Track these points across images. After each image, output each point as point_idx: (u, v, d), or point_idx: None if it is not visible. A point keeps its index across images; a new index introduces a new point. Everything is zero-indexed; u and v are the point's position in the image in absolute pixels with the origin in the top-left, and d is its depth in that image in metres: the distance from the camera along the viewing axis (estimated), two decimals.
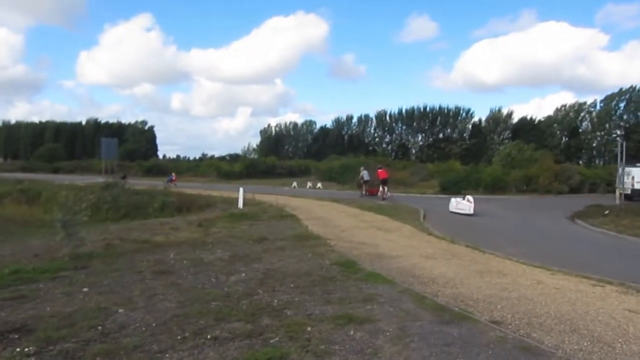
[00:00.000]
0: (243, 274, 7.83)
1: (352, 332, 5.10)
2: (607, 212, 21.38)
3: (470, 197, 22.70)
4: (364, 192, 29.93)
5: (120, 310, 5.69)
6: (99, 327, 5.08)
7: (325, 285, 7.20)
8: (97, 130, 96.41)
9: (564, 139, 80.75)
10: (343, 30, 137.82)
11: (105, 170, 33.60)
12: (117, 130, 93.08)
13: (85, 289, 6.76)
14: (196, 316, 5.47)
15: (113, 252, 9.90)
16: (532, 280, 8.33)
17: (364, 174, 30.19)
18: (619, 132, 75.92)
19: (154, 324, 5.21)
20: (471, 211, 21.75)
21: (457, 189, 34.11)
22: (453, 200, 23.44)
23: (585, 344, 5.09)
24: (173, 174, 44.47)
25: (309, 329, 5.15)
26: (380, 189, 28.30)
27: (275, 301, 6.23)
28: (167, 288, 6.83)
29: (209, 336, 4.86)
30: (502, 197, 32.80)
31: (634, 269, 10.75)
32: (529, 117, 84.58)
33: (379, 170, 29.42)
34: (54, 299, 6.29)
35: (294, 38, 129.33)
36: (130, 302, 6.09)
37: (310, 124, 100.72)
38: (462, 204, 22.38)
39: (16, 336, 4.87)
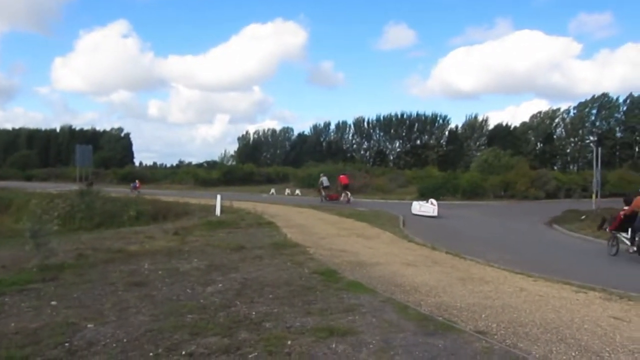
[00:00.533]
0: (220, 285, 7.57)
1: (334, 345, 4.89)
2: (584, 217, 21.51)
3: (433, 201, 24.53)
4: (323, 198, 30.99)
5: (89, 326, 5.39)
6: (66, 344, 4.79)
7: (305, 295, 6.99)
8: (71, 138, 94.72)
9: (538, 145, 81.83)
10: (321, 38, 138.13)
11: (79, 177, 32.96)
12: (92, 137, 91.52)
13: (53, 303, 6.44)
14: (170, 330, 5.21)
15: (85, 263, 9.53)
16: (515, 287, 8.23)
17: (323, 180, 31.75)
18: (592, 138, 77.21)
19: (125, 340, 4.93)
20: (435, 213, 23.10)
21: (436, 195, 34.05)
22: (415, 203, 25.05)
23: (573, 353, 4.96)
24: (137, 181, 44.07)
25: (289, 342, 4.93)
26: (343, 194, 29.96)
27: (254, 313, 5.99)
28: (141, 300, 6.55)
29: (183, 352, 4.61)
30: (480, 203, 32.95)
31: (613, 275, 10.74)
32: (504, 124, 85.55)
33: (341, 177, 31.49)
34: (20, 313, 5.97)
35: (272, 45, 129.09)
36: (101, 316, 5.80)
37: (288, 130, 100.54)
38: (426, 207, 23.95)
39: None
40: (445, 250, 12.36)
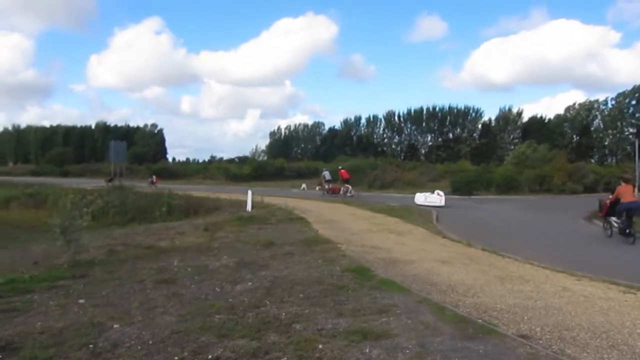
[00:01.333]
0: (249, 283, 7.38)
1: (367, 350, 4.63)
2: None
3: (440, 191, 26.51)
4: (326, 191, 32.07)
5: (115, 326, 5.25)
6: (90, 346, 4.64)
7: (337, 294, 6.74)
8: (106, 134, 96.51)
9: (575, 138, 79.72)
10: (352, 31, 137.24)
11: (114, 173, 33.41)
12: (126, 134, 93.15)
13: (81, 301, 6.34)
14: (197, 332, 5.02)
15: (115, 259, 9.49)
16: (557, 287, 7.82)
17: (326, 174, 33.03)
18: (631, 130, 74.92)
19: (150, 342, 4.76)
20: (442, 203, 24.85)
21: (469, 190, 33.55)
22: (420, 195, 26.43)
23: None
24: (154, 176, 44.59)
25: (320, 346, 4.68)
26: (343, 188, 31.06)
27: (283, 314, 5.77)
28: (168, 299, 6.39)
29: (210, 356, 4.41)
30: (515, 197, 32.20)
31: None
32: (539, 116, 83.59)
33: (341, 171, 32.45)
34: (47, 312, 5.88)
35: (303, 39, 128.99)
36: (128, 315, 5.65)
37: (319, 125, 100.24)
38: (432, 197, 25.58)
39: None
40: (481, 246, 11.93)
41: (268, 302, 6.27)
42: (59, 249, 9.90)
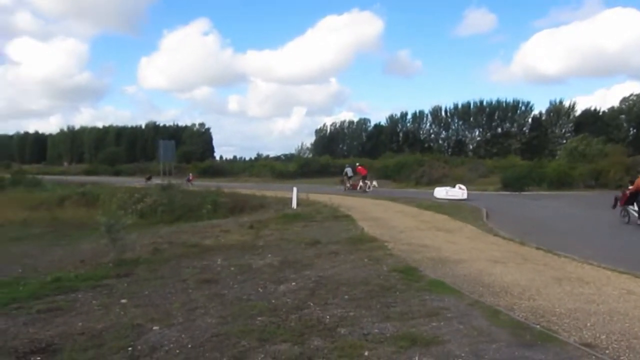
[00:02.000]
0: (293, 283, 7.18)
1: (417, 358, 4.33)
2: None
3: (461, 185, 26.92)
4: (348, 187, 32.96)
5: (155, 328, 5.13)
6: (129, 349, 4.52)
7: (384, 296, 6.45)
8: (155, 134, 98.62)
9: (631, 131, 76.39)
10: (398, 26, 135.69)
11: (163, 172, 33.96)
12: (174, 133, 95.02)
13: (123, 300, 6.28)
14: (238, 336, 4.83)
15: (160, 258, 9.50)
16: (621, 289, 7.29)
17: (348, 171, 33.79)
18: None
19: (189, 346, 4.60)
20: (465, 196, 25.19)
21: (520, 185, 32.50)
22: (440, 189, 27.00)
23: None
24: (190, 174, 45.21)
25: (366, 353, 4.42)
26: (361, 183, 32.17)
27: (328, 317, 5.52)
28: (210, 300, 6.26)
29: None
30: (569, 193, 30.96)
31: None
32: (592, 109, 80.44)
33: (359, 167, 33.46)
34: (89, 311, 5.84)
35: (348, 36, 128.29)
36: (168, 316, 5.54)
37: (364, 121, 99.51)
38: (454, 191, 26.02)
39: (38, 358, 4.38)
40: (535, 245, 11.38)
41: (312, 304, 6.05)
42: (106, 247, 9.99)
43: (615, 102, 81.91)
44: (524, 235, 12.98)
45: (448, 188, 26.97)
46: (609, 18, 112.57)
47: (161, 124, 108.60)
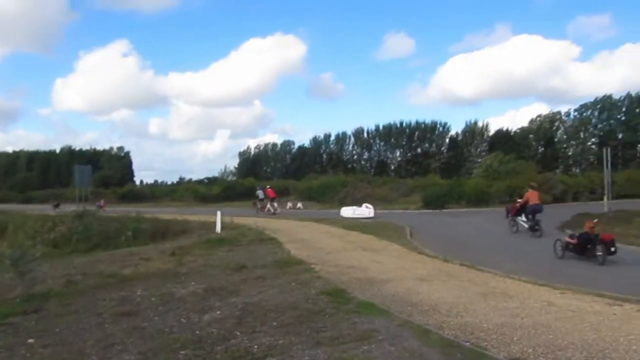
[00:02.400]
0: (218, 312, 6.85)
1: None
2: (596, 220, 20.74)
3: (368, 205, 28.07)
4: (259, 209, 33.08)
5: None
6: None
7: (313, 321, 6.27)
8: (71, 158, 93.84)
9: (540, 149, 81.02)
10: (321, 50, 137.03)
11: (79, 198, 32.34)
12: (92, 157, 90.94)
13: (30, 340, 5.74)
14: None
15: (73, 291, 8.87)
16: (542, 302, 7.50)
17: (259, 193, 34.26)
18: (594, 140, 76.62)
19: None
20: (372, 214, 26.36)
21: (440, 203, 33.44)
22: (346, 208, 28.29)
23: None
24: (102, 200, 43.76)
25: None
26: (269, 205, 32.46)
27: (256, 346, 5.27)
28: (129, 334, 5.83)
29: None
30: (486, 210, 32.10)
31: None
32: (504, 129, 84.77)
33: (268, 190, 33.98)
34: None
35: (272, 59, 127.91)
36: (81, 356, 5.10)
37: (288, 143, 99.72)
38: (361, 210, 27.24)
39: None
40: (458, 262, 11.60)
41: (239, 333, 5.77)
42: (12, 282, 9.21)
43: (524, 123, 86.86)
44: (447, 252, 13.22)
45: (355, 207, 28.20)
46: (517, 44, 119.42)
47: (77, 148, 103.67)
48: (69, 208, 34.48)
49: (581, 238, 13.09)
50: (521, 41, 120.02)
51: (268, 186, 36.21)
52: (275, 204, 33.04)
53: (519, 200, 19.49)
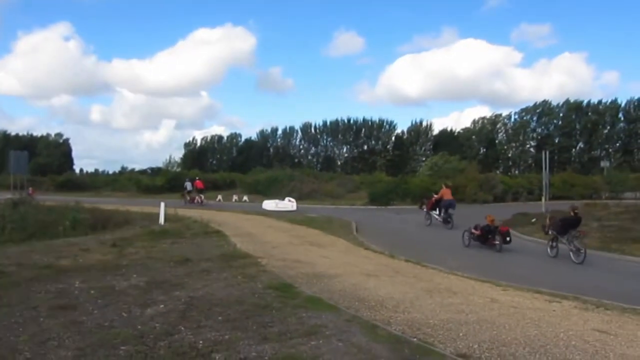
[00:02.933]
0: (162, 305, 6.63)
1: None
2: (534, 220, 21.50)
3: (291, 198, 29.89)
4: (187, 200, 33.78)
5: None
6: None
7: (260, 315, 6.16)
8: (6, 144, 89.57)
9: (481, 150, 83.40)
10: (271, 44, 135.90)
11: (14, 185, 30.93)
12: (28, 143, 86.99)
13: None
14: None
15: (6, 282, 8.35)
16: (486, 298, 7.67)
17: (187, 185, 35.47)
18: (532, 143, 79.65)
19: None
20: (294, 208, 27.85)
21: (386, 200, 33.84)
22: (269, 201, 29.56)
23: None
24: (30, 188, 42.20)
25: None
26: (197, 197, 33.66)
27: (201, 341, 5.11)
28: (66, 329, 5.54)
29: None
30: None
31: (578, 280, 10.39)
32: (449, 129, 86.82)
33: (197, 182, 35.33)
34: None
35: (221, 50, 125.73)
36: (13, 352, 4.78)
37: (235, 136, 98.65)
38: (283, 204, 28.76)
39: None
40: (404, 258, 11.76)
41: (183, 328, 5.59)
42: None
43: (467, 124, 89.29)
44: (392, 248, 13.38)
45: (277, 201, 29.60)
46: (463, 47, 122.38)
47: (13, 133, 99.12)
48: (2, 196, 32.94)
49: (483, 229, 15.26)
50: (466, 45, 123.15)
51: (197, 178, 37.37)
52: (202, 196, 34.21)
53: (435, 195, 21.79)
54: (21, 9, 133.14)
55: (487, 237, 15.07)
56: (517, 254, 14.36)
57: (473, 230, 15.56)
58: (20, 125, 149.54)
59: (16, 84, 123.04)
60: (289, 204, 28.64)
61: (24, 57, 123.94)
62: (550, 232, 14.27)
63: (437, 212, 21.24)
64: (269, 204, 28.79)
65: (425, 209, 22.22)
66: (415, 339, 5.39)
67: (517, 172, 77.39)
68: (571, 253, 13.11)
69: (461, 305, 7.14)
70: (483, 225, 15.34)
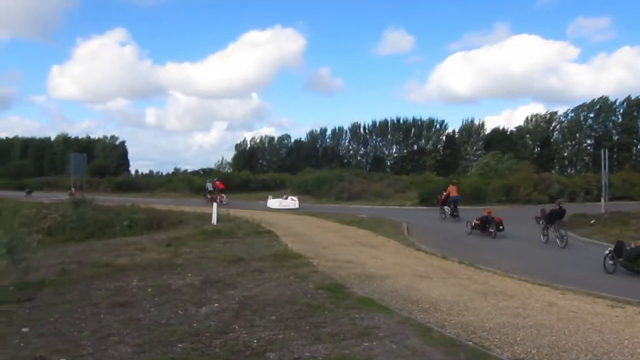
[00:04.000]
0: (216, 304, 6.74)
1: None
2: (593, 221, 20.76)
3: (294, 197, 31.79)
4: (208, 200, 34.00)
5: None
6: None
7: (313, 316, 6.17)
8: (66, 146, 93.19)
9: (535, 149, 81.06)
10: (320, 44, 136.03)
11: (73, 186, 32.17)
12: (86, 146, 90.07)
13: (24, 329, 5.60)
14: None
15: (68, 280, 8.70)
16: (543, 302, 7.43)
17: (208, 185, 37.00)
18: (589, 142, 76.79)
19: None
20: (296, 206, 30.05)
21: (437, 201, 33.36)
22: (273, 200, 31.69)
23: None
24: (73, 188, 43.63)
25: None
26: (219, 197, 34.06)
27: (255, 340, 5.17)
28: (125, 325, 5.72)
29: None
30: (482, 208, 32.07)
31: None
32: (501, 128, 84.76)
33: (217, 182, 36.75)
34: None
35: (270, 52, 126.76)
36: (76, 347, 4.96)
37: (285, 137, 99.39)
38: (286, 202, 30.67)
39: None
40: (457, 259, 11.54)
41: (237, 327, 5.66)
42: (6, 269, 9.05)
43: (520, 122, 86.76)
44: (444, 249, 13.16)
45: (281, 199, 31.56)
46: (516, 43, 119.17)
47: (72, 136, 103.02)
48: (62, 196, 34.27)
49: (482, 220, 18.31)
50: (520, 41, 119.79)
51: (216, 179, 38.81)
52: (224, 195, 35.45)
53: (444, 192, 24.39)
54: (80, 16, 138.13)
55: (485, 226, 18.11)
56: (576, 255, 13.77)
57: (475, 221, 18.61)
58: (79, 128, 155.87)
59: (75, 89, 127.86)
60: (291, 202, 30.63)
61: (83, 63, 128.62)
62: (541, 223, 17.55)
63: (447, 208, 23.53)
64: (273, 202, 30.94)
65: (439, 206, 24.82)
66: (470, 343, 5.28)
67: (573, 171, 74.92)
68: (557, 239, 16.05)
69: (517, 308, 6.95)
70: (481, 217, 18.50)
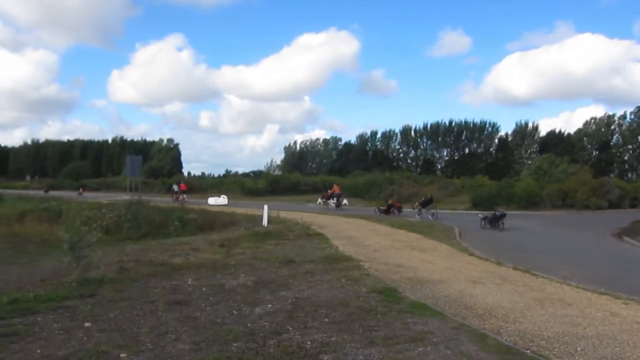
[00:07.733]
0: (269, 305, 6.82)
1: None
2: None
3: (224, 196, 40.03)
4: (174, 200, 38.22)
5: (122, 355, 4.72)
6: None
7: (365, 319, 6.16)
8: (122, 148, 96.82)
9: (594, 153, 78.26)
10: (374, 46, 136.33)
11: (130, 187, 33.26)
12: (142, 148, 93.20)
13: (87, 324, 5.82)
14: None
15: (126, 277, 8.98)
16: (604, 311, 7.16)
17: (175, 187, 43.04)
18: None
19: None
20: (225, 202, 36.79)
21: (490, 205, 32.65)
22: (210, 198, 37.92)
23: None
24: (81, 188, 52.42)
25: None
26: (181, 196, 39.56)
27: (309, 342, 5.20)
28: (182, 323, 5.85)
29: None
30: (537, 213, 31.25)
31: None
32: (557, 131, 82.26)
33: (181, 185, 43.30)
34: (49, 337, 5.36)
35: (324, 55, 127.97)
36: (136, 342, 5.12)
37: (335, 140, 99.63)
38: (220, 200, 37.42)
39: None
40: (512, 265, 11.26)
41: (290, 328, 5.71)
42: (68, 266, 9.42)
43: (578, 125, 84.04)
44: (498, 254, 12.86)
45: (216, 197, 38.31)
46: (578, 43, 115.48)
47: (129, 139, 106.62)
48: (119, 197, 35.43)
49: (492, 216, 21.82)
50: (582, 40, 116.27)
51: (181, 182, 46.38)
52: (185, 195, 40.82)
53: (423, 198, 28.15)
54: (139, 22, 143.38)
55: (494, 222, 21.36)
56: None
57: (486, 215, 22.29)
58: (135, 131, 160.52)
59: (134, 92, 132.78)
60: (222, 200, 37.36)
61: (141, 67, 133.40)
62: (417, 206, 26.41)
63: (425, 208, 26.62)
64: (211, 200, 36.88)
65: (417, 207, 27.10)
66: (528, 351, 5.14)
67: (633, 176, 71.95)
68: (430, 216, 25.09)
69: (577, 317, 6.73)
70: (492, 213, 22.14)
